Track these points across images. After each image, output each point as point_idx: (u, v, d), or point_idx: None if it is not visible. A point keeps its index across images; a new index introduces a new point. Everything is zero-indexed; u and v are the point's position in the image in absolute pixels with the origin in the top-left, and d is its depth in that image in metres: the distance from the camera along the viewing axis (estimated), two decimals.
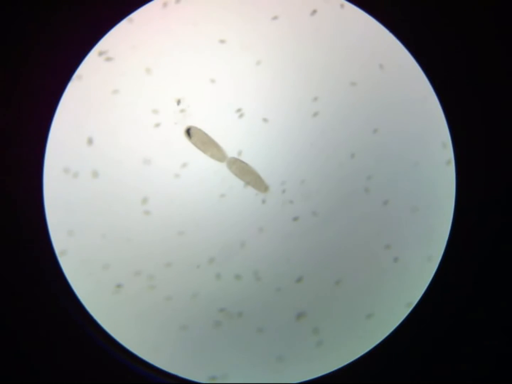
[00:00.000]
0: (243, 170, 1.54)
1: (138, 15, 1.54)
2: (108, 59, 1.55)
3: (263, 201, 1.57)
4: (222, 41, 1.56)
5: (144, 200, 1.57)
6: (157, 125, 1.57)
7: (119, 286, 1.56)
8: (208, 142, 1.48)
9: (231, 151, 1.58)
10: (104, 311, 1.56)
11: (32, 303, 1.51)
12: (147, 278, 1.57)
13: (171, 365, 1.56)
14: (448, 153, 1.55)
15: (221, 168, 1.57)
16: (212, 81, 1.57)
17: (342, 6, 1.57)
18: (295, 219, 1.58)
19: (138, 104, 1.57)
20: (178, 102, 1.56)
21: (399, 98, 1.58)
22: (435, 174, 1.57)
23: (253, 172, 1.57)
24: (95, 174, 1.56)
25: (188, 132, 1.45)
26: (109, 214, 1.56)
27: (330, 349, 1.57)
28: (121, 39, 1.55)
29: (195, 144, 1.41)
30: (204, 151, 1.49)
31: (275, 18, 1.57)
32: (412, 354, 1.53)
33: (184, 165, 1.56)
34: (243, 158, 1.58)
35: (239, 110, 1.57)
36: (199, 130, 1.41)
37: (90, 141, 1.56)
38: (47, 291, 1.51)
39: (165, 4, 1.56)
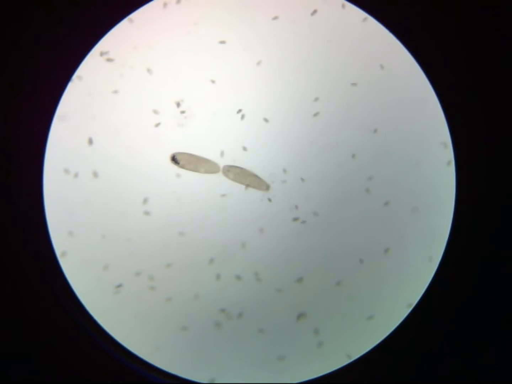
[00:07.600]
0: (240, 175, 1.54)
1: (138, 15, 1.54)
2: (109, 59, 1.55)
3: (269, 200, 1.57)
4: (222, 42, 1.56)
5: (144, 200, 1.57)
6: (157, 125, 1.57)
7: (119, 286, 1.56)
8: (196, 160, 1.48)
9: (230, 152, 1.58)
10: (104, 311, 1.56)
11: (32, 303, 1.51)
12: (147, 279, 1.57)
13: (171, 365, 1.56)
14: (448, 153, 1.55)
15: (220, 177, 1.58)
16: (212, 81, 1.57)
17: (342, 6, 1.57)
18: (295, 219, 1.58)
19: (138, 104, 1.57)
20: (178, 104, 1.56)
21: (399, 98, 1.58)
22: (435, 174, 1.57)
23: (250, 174, 1.57)
24: (95, 174, 1.56)
25: (174, 159, 1.45)
26: (109, 214, 1.56)
27: (330, 349, 1.57)
28: (121, 39, 1.55)
29: (184, 167, 1.41)
30: (196, 171, 1.49)
31: (275, 18, 1.57)
32: (412, 354, 1.53)
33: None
34: (243, 158, 1.58)
35: (239, 110, 1.57)
36: (183, 153, 1.41)
37: (90, 141, 1.56)
38: (47, 291, 1.51)
39: (165, 4, 1.55)
